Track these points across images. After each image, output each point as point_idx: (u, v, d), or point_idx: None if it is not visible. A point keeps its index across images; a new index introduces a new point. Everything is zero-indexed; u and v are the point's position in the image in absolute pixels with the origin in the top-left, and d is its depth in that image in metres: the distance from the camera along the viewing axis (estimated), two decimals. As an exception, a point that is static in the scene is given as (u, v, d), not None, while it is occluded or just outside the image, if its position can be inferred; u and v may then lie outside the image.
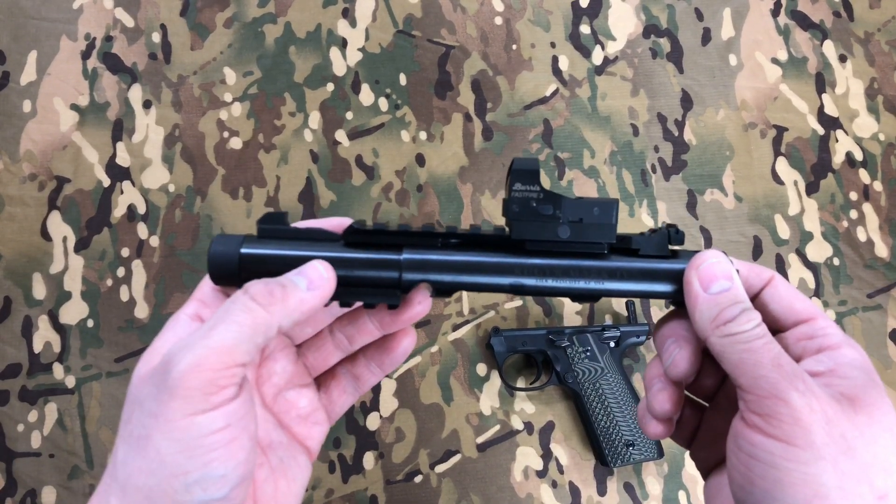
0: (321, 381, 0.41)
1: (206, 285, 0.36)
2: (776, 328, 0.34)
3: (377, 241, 0.35)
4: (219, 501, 0.30)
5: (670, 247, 0.35)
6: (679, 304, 0.35)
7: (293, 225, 0.36)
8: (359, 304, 0.39)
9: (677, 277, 0.35)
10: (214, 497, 0.30)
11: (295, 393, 0.39)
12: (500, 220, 0.76)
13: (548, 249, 0.35)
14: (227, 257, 0.34)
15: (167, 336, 0.34)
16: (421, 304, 0.38)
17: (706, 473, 0.39)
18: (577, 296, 0.35)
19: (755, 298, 0.35)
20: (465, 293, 0.76)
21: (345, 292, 0.35)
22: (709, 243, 0.80)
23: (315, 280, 0.33)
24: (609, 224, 0.35)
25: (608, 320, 0.77)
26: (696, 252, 0.35)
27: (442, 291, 0.36)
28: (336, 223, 0.37)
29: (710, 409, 0.39)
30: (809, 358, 0.32)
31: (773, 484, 0.29)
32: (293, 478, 0.38)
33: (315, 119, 0.80)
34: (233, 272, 0.34)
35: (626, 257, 0.35)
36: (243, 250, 0.34)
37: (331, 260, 0.34)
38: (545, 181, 0.80)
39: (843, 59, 0.86)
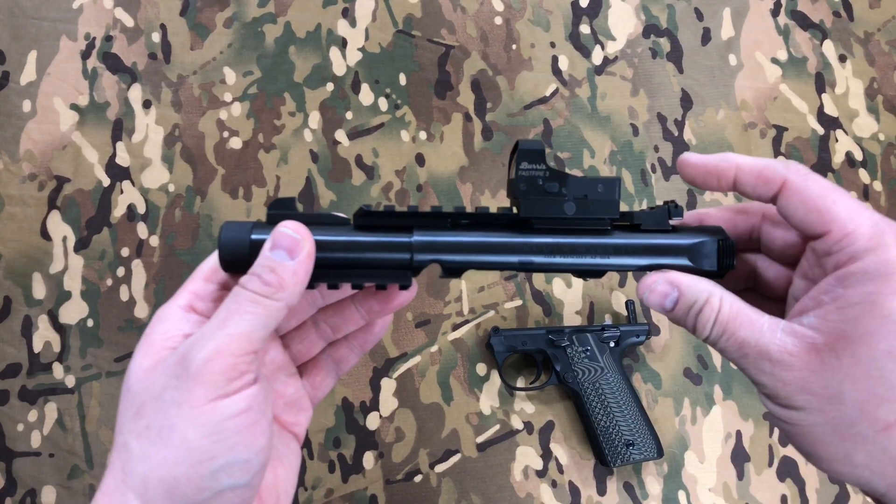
0: (304, 368, 0.42)
1: (199, 278, 0.36)
2: (810, 236, 0.32)
3: (387, 223, 0.35)
4: (242, 488, 0.31)
5: (671, 222, 0.36)
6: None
7: None
8: (346, 293, 0.39)
9: (676, 251, 0.35)
10: (239, 483, 0.31)
11: (282, 382, 0.40)
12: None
13: (554, 227, 0.36)
14: (238, 244, 0.34)
15: (163, 328, 0.33)
16: (409, 290, 0.38)
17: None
18: (583, 272, 0.36)
19: (773, 205, 0.34)
20: (465, 293, 0.76)
21: (357, 274, 0.35)
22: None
23: (292, 246, 0.33)
24: (612, 200, 0.35)
25: (608, 320, 0.77)
26: (695, 230, 0.36)
27: (452, 271, 0.36)
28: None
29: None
30: (814, 287, 0.31)
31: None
32: (289, 464, 0.39)
33: (315, 119, 0.80)
34: (244, 258, 0.34)
35: (628, 233, 0.36)
36: (254, 236, 0.34)
37: (342, 244, 0.35)
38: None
39: (842, 59, 0.86)
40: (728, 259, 0.35)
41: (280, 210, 0.35)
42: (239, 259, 0.34)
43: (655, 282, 0.34)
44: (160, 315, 0.34)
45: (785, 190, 0.32)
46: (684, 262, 0.35)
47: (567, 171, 0.80)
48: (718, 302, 0.32)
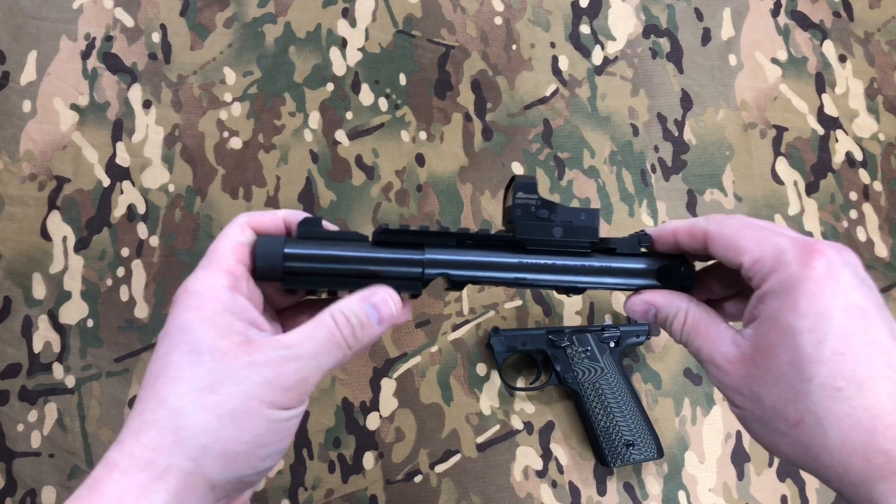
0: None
1: (230, 258, 0.37)
2: (735, 269, 0.38)
3: (401, 240, 0.40)
4: (270, 469, 0.36)
5: (641, 248, 0.43)
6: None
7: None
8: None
9: (645, 273, 0.42)
10: (273, 465, 0.36)
11: None
12: (499, 220, 0.77)
13: (544, 248, 0.41)
14: (272, 257, 0.38)
15: (218, 306, 0.35)
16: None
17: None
18: (566, 289, 0.42)
19: (710, 255, 0.40)
20: (465, 293, 0.76)
21: (374, 284, 0.40)
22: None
23: (386, 317, 0.38)
24: (593, 227, 0.42)
25: (608, 320, 0.77)
26: (664, 256, 0.43)
27: (456, 284, 0.41)
28: (285, 214, 0.40)
29: None
30: (748, 305, 0.37)
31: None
32: None
33: (315, 119, 0.80)
34: (277, 270, 0.38)
35: (605, 256, 0.42)
36: (286, 250, 0.38)
37: (363, 258, 0.39)
38: (545, 180, 0.80)
39: (842, 59, 0.86)
40: (688, 281, 0.42)
41: (310, 227, 0.39)
42: (272, 270, 0.38)
43: (635, 302, 0.41)
44: (203, 291, 0.35)
45: (708, 240, 0.39)
46: (653, 282, 0.42)
47: (567, 170, 0.80)
48: (684, 315, 0.39)
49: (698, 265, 0.43)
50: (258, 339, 0.35)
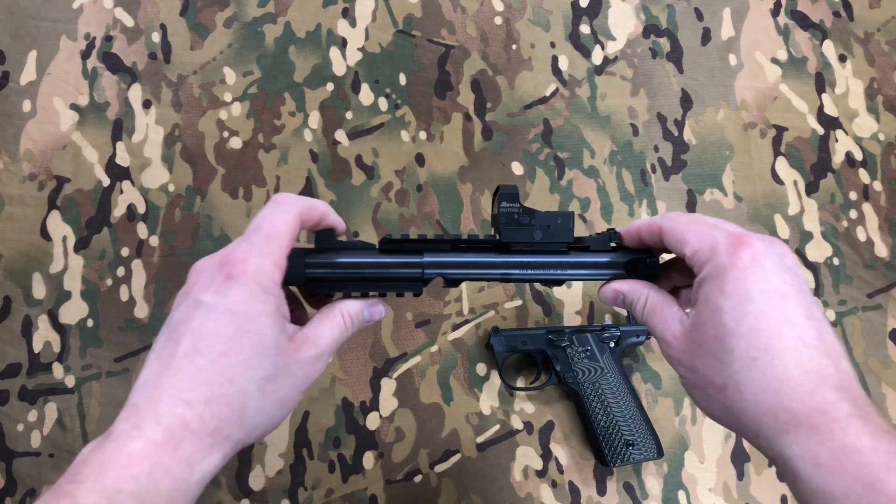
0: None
1: (282, 252, 0.42)
2: (682, 258, 0.44)
3: (403, 247, 0.47)
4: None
5: (611, 244, 0.49)
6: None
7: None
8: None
9: (616, 266, 0.49)
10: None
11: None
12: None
13: (526, 249, 0.48)
14: (297, 267, 0.46)
15: (274, 306, 0.40)
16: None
17: None
18: (548, 281, 0.49)
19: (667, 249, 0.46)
20: (465, 293, 0.76)
21: (382, 286, 0.47)
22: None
23: (377, 317, 0.47)
24: (568, 229, 0.48)
25: (608, 320, 0.77)
26: (631, 251, 0.49)
27: (452, 282, 0.48)
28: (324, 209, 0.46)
29: None
30: (693, 289, 0.42)
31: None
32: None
33: (315, 119, 0.80)
34: (300, 277, 0.46)
35: (580, 252, 0.49)
36: (308, 259, 0.46)
37: (372, 263, 0.47)
38: (545, 180, 0.80)
39: (842, 59, 0.86)
40: (653, 271, 0.48)
41: (325, 239, 0.47)
42: (297, 276, 0.46)
43: (605, 290, 0.48)
44: (268, 286, 0.40)
45: (662, 234, 0.44)
46: (622, 272, 0.49)
47: (567, 170, 0.80)
48: (644, 299, 0.46)
49: (664, 258, 0.48)
50: (296, 336, 0.42)
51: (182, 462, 0.36)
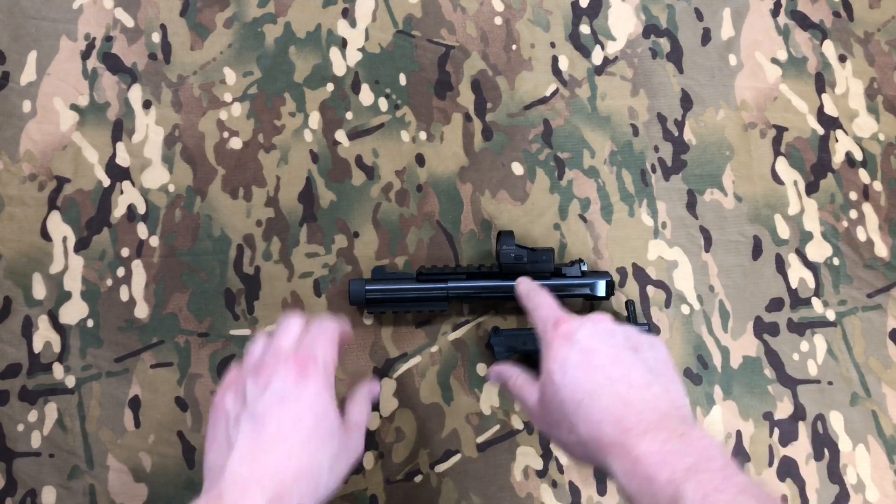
0: None
1: (333, 365, 0.55)
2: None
3: (434, 276, 0.69)
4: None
5: (581, 271, 0.70)
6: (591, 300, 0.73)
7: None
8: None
9: (584, 286, 0.70)
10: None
11: None
12: (499, 220, 0.77)
13: (520, 275, 0.67)
14: (359, 293, 0.68)
15: (332, 408, 0.53)
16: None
17: None
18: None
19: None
20: (464, 293, 0.77)
21: (419, 305, 0.69)
22: (708, 243, 0.80)
23: (374, 400, 0.64)
24: (550, 260, 0.69)
25: (608, 320, 0.77)
26: (594, 273, 0.71)
27: (469, 300, 0.72)
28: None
29: None
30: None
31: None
32: None
33: (315, 119, 0.80)
34: (362, 299, 0.68)
35: (559, 277, 0.70)
36: (367, 287, 0.68)
37: (411, 289, 0.68)
38: (545, 180, 0.80)
39: (842, 59, 0.86)
40: (610, 290, 0.70)
41: (378, 271, 0.70)
42: (360, 299, 0.68)
43: (491, 372, 0.64)
44: (331, 385, 0.53)
45: (520, 300, 0.63)
46: (588, 291, 0.70)
47: (567, 170, 0.80)
48: (515, 378, 0.59)
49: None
50: (346, 423, 0.54)
51: None
